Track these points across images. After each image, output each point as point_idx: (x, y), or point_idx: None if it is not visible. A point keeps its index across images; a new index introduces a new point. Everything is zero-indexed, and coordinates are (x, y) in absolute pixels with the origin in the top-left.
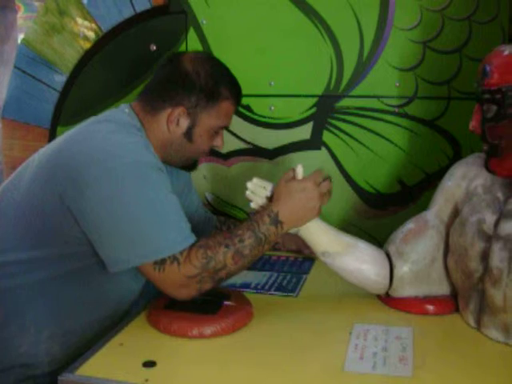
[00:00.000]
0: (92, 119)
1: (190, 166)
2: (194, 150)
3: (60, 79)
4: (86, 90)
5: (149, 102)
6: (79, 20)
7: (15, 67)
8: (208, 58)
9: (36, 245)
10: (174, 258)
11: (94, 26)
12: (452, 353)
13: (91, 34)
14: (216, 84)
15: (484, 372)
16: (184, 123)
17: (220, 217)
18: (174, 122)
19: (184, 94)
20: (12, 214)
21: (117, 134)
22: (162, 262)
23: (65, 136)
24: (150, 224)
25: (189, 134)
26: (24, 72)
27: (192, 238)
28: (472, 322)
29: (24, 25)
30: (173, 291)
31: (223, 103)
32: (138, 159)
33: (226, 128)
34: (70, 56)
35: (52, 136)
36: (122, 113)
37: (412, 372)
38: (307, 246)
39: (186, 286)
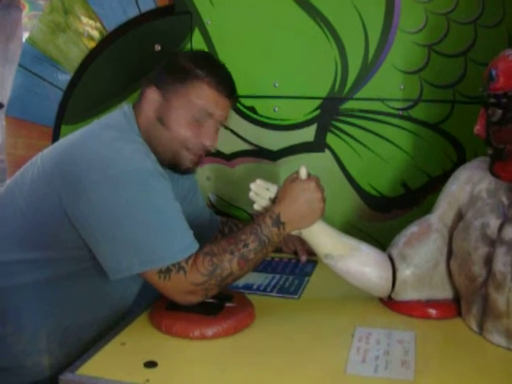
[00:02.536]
0: (94, 124)
1: (178, 164)
2: (172, 138)
3: (64, 78)
4: (91, 89)
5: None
6: (84, 19)
7: (20, 65)
8: (203, 52)
9: (35, 247)
10: (180, 267)
11: (98, 25)
12: (454, 357)
13: (96, 34)
14: (192, 65)
15: (486, 377)
16: (156, 100)
17: (222, 217)
18: (147, 100)
19: (161, 74)
20: (13, 215)
21: (118, 141)
22: (168, 270)
23: (66, 140)
24: (152, 230)
25: (161, 119)
26: (29, 70)
27: (195, 246)
28: (474, 327)
29: (29, 23)
30: (179, 298)
31: (195, 82)
32: (139, 166)
33: (209, 115)
34: (74, 55)
35: (56, 135)
36: (123, 114)
37: (414, 376)
38: (304, 250)
39: (192, 292)
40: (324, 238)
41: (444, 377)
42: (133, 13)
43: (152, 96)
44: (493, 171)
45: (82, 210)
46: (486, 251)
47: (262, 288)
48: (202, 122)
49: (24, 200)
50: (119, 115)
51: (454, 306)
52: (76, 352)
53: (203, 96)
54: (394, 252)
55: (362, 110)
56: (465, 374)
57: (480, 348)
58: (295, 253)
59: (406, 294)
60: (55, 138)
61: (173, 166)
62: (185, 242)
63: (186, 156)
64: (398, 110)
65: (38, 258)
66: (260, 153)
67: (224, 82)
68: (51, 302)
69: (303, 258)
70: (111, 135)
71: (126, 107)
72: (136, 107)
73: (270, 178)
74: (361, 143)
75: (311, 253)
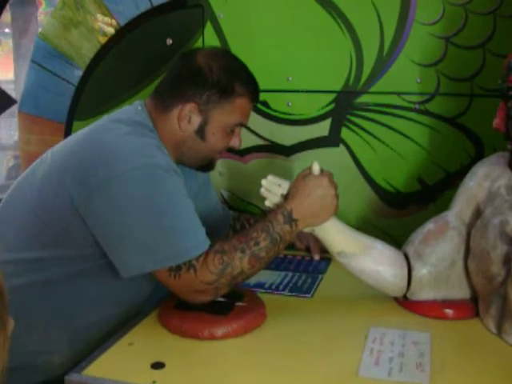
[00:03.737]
0: (105, 118)
1: (206, 166)
2: (208, 149)
3: (77, 73)
4: (103, 84)
5: (161, 99)
6: (96, 14)
7: (32, 61)
8: (223, 53)
9: (46, 245)
10: (190, 265)
11: (110, 19)
12: (471, 360)
13: (108, 28)
14: (229, 79)
15: (505, 380)
16: (196, 120)
17: (234, 213)
18: (185, 118)
19: (196, 90)
20: (24, 213)
21: (129, 136)
22: (178, 268)
23: (77, 136)
24: (163, 229)
25: (201, 132)
26: (41, 66)
27: (206, 244)
28: (493, 328)
29: (46, 20)
30: (189, 297)
31: (237, 100)
32: (151, 162)
33: (244, 126)
34: (86, 50)
35: (68, 130)
36: (136, 111)
37: (429, 379)
38: (318, 248)
39: (202, 291)
40: (337, 236)
41: (460, 380)
42: (144, 6)
43: (191, 113)
44: None
45: (94, 206)
46: (505, 250)
47: (273, 287)
48: (234, 130)
49: (34, 197)
50: (130, 110)
51: (472, 306)
52: (86, 350)
53: (245, 111)
54: (410, 250)
55: (377, 104)
56: (482, 377)
57: (498, 350)
58: (308, 249)
59: (422, 293)
60: (67, 133)
61: (200, 167)
62: (196, 240)
63: (215, 159)
64: (415, 103)
65: (48, 256)
66: (273, 148)
67: (257, 93)
68: (62, 300)
69: (316, 257)
70: (122, 130)
71: (137, 104)
72: (160, 118)
73: (284, 173)
74: (376, 138)
75: (325, 250)
